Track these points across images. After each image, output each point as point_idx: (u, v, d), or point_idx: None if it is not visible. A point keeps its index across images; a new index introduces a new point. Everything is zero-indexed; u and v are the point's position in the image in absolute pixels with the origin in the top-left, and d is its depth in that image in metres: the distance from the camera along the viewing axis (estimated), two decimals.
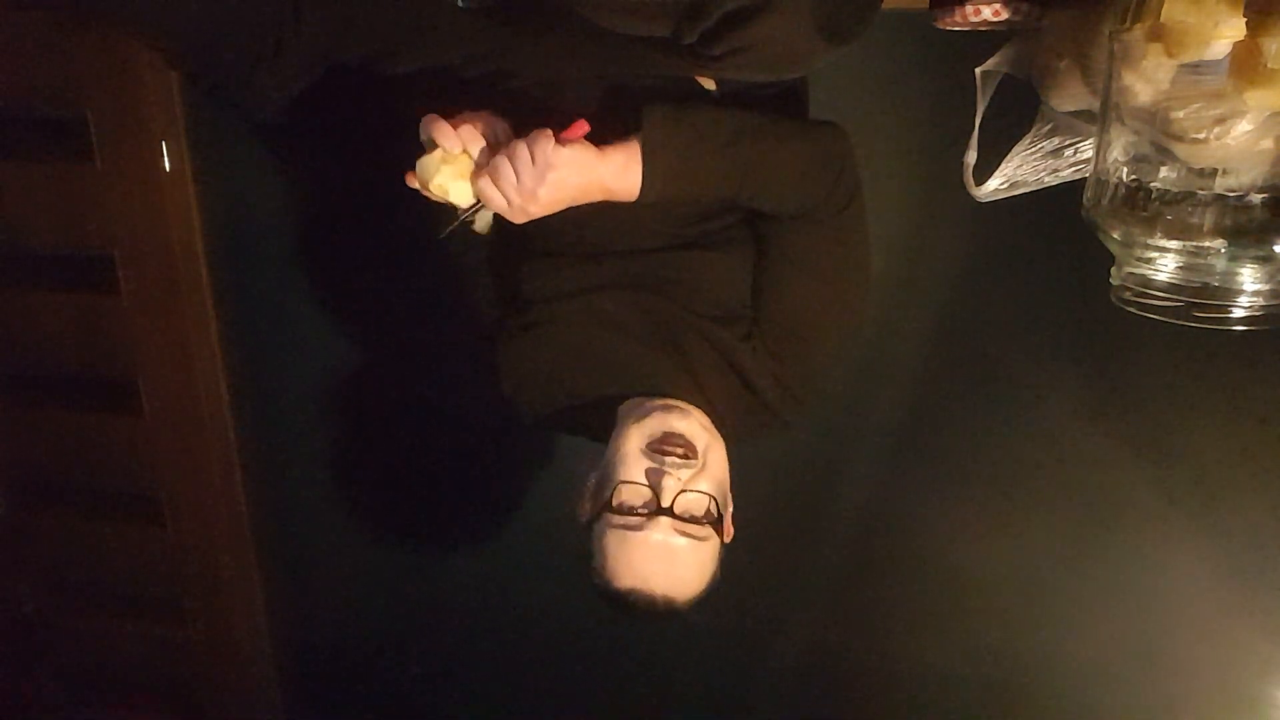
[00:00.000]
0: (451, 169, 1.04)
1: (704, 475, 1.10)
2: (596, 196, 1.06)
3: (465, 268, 1.35)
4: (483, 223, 1.17)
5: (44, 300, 1.94)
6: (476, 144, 1.05)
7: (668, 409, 1.12)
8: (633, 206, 1.13)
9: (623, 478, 1.09)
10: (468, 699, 2.19)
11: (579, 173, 1.02)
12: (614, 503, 1.09)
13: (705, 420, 1.16)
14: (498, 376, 1.27)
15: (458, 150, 1.04)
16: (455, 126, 1.04)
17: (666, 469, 1.07)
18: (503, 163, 1.01)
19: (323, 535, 2.09)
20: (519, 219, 1.06)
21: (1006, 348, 1.65)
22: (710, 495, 1.09)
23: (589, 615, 1.95)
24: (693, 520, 1.08)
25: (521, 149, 1.01)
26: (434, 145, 1.04)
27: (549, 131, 1.01)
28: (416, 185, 1.06)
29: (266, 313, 1.91)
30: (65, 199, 1.81)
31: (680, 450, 1.08)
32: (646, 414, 1.12)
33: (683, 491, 1.08)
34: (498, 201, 1.03)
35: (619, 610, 1.13)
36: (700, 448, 1.10)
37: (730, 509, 1.22)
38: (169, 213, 1.80)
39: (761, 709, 2.02)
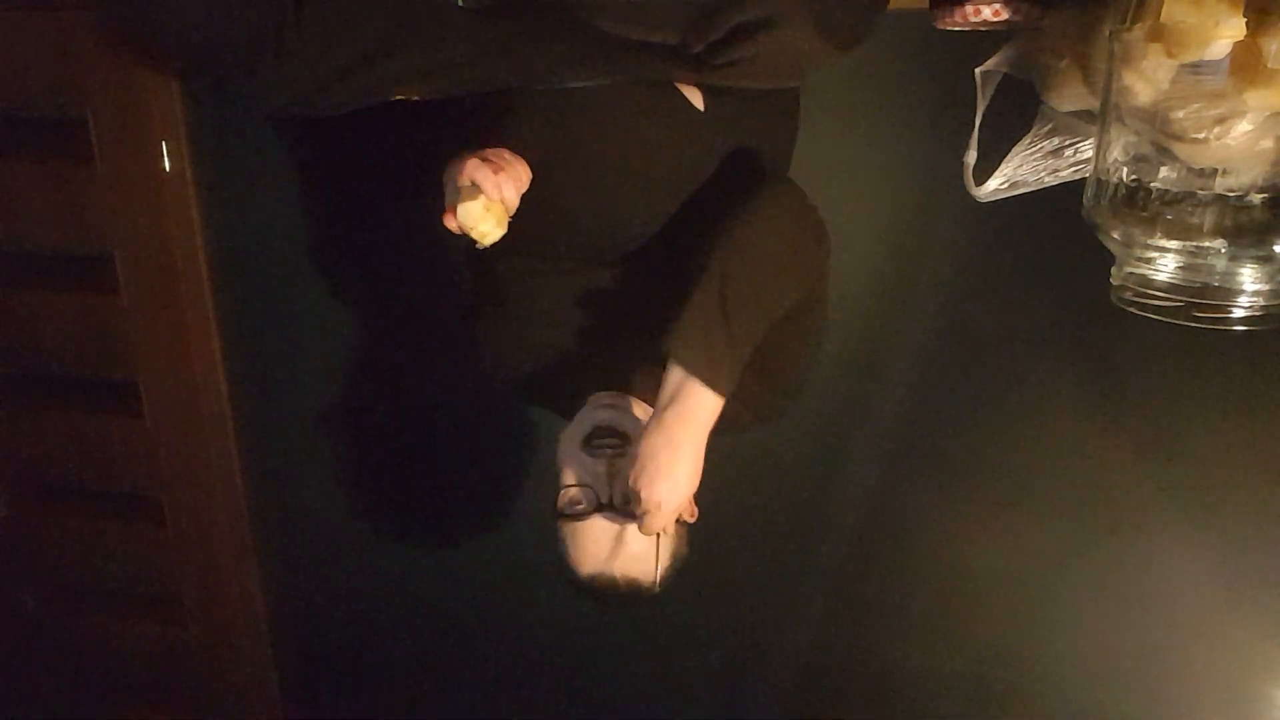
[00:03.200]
0: (493, 216, 1.08)
1: None
2: (703, 425, 1.10)
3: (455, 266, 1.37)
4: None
5: (44, 300, 1.94)
6: (512, 193, 1.09)
7: (597, 405, 1.19)
8: (614, 217, 1.18)
9: (564, 480, 1.18)
10: (468, 699, 2.19)
11: (689, 459, 1.08)
12: (558, 506, 1.18)
13: (642, 411, 1.20)
14: (478, 354, 1.30)
15: (497, 198, 1.08)
16: (495, 172, 1.07)
17: (598, 459, 1.15)
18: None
19: (323, 535, 2.09)
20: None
21: (1006, 348, 1.65)
22: None
23: (589, 614, 1.95)
24: (631, 513, 1.13)
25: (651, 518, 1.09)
26: (473, 188, 1.08)
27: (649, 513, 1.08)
28: (454, 227, 1.09)
29: (266, 313, 1.91)
30: (65, 199, 1.81)
31: (612, 441, 1.16)
32: (584, 415, 1.20)
33: (620, 479, 1.13)
34: (672, 499, 1.09)
35: (591, 599, 1.21)
36: (634, 434, 1.15)
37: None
38: (169, 213, 1.80)
39: (761, 709, 2.02)
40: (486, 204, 1.08)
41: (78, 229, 1.83)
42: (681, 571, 1.23)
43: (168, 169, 1.76)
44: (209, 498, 2.05)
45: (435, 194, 1.15)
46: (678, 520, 1.20)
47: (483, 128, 1.19)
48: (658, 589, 1.20)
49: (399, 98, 1.12)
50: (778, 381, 1.25)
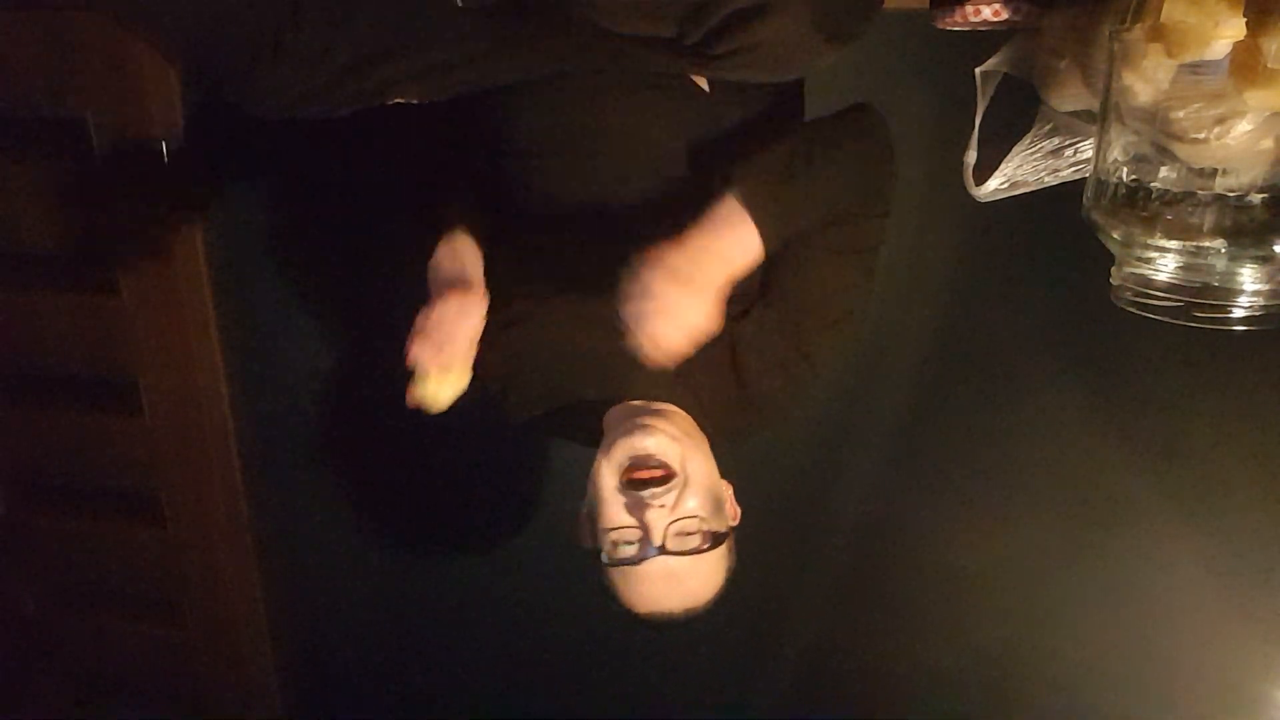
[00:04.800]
0: (449, 383, 1.12)
1: (689, 490, 1.08)
2: (732, 268, 1.04)
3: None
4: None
5: (44, 300, 1.94)
6: (466, 357, 1.10)
7: (630, 430, 1.10)
8: (630, 199, 1.13)
9: (608, 524, 1.09)
10: (468, 698, 2.19)
11: (700, 301, 1.00)
12: (606, 555, 1.09)
13: (675, 426, 1.12)
14: (483, 376, 1.27)
15: (449, 367, 1.11)
16: (439, 346, 1.08)
17: (648, 501, 1.05)
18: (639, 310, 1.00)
19: (323, 535, 2.09)
20: (694, 330, 1.02)
21: (1006, 348, 1.65)
22: (699, 517, 1.08)
23: (589, 615, 1.95)
24: (688, 548, 1.07)
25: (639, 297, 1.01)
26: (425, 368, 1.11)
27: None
28: (419, 407, 1.12)
29: (266, 313, 1.91)
30: (65, 199, 1.81)
31: (656, 474, 1.06)
32: (613, 443, 1.11)
33: (673, 522, 1.06)
34: (673, 338, 1.01)
35: (643, 625, 1.14)
36: (676, 462, 1.08)
37: (729, 491, 1.21)
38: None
39: (762, 709, 2.02)
40: (438, 379, 1.10)
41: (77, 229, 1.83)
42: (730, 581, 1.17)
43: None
44: (209, 498, 2.05)
45: (436, 193, 1.14)
46: (718, 535, 1.12)
47: (484, 123, 1.18)
48: (709, 605, 1.14)
49: (397, 100, 1.11)
50: (816, 339, 1.20)
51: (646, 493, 1.05)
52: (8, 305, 1.95)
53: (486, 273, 1.29)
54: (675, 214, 1.19)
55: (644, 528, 1.06)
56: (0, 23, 1.68)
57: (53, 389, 2.05)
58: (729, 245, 1.03)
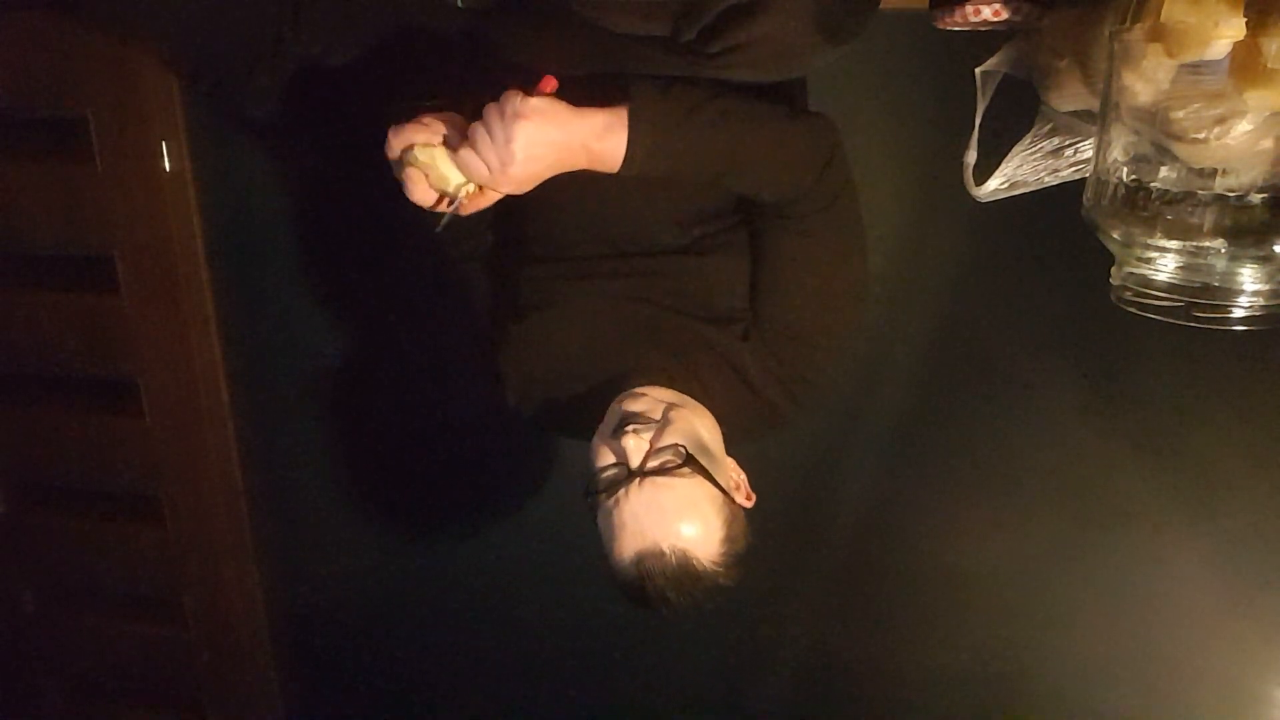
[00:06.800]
0: (436, 157, 1.05)
1: (669, 432, 1.10)
2: (577, 161, 1.04)
3: (462, 271, 1.35)
4: (464, 194, 1.12)
5: (44, 300, 1.94)
6: (442, 129, 1.05)
7: (625, 398, 1.15)
8: (628, 207, 1.13)
9: (596, 465, 1.12)
10: (469, 699, 2.19)
11: (552, 124, 1.00)
12: (592, 488, 1.11)
13: (667, 394, 1.17)
14: (501, 386, 1.28)
15: (437, 141, 1.05)
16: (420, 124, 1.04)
17: (627, 430, 1.09)
18: (477, 126, 1.01)
19: (323, 535, 2.09)
20: (505, 185, 1.04)
21: (1006, 348, 1.65)
22: (677, 444, 1.09)
23: (590, 613, 1.95)
24: (665, 470, 1.08)
25: (491, 108, 1.01)
26: (411, 152, 1.05)
27: (517, 89, 1.01)
28: (428, 195, 1.06)
29: (266, 312, 1.91)
30: (65, 199, 1.81)
31: (642, 418, 1.11)
32: (613, 409, 1.16)
33: (653, 451, 1.08)
34: (478, 167, 1.02)
35: (644, 599, 1.10)
36: (658, 413, 1.12)
37: (741, 476, 1.22)
38: (169, 213, 1.80)
39: (762, 709, 2.02)
40: (420, 151, 1.04)
41: (78, 229, 1.83)
42: (746, 561, 1.13)
43: (168, 169, 1.76)
44: (209, 498, 2.05)
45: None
46: (734, 501, 1.14)
47: None
48: (720, 575, 1.10)
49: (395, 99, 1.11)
50: (806, 362, 1.22)
51: (629, 426, 1.09)
52: (8, 305, 1.95)
53: (499, 290, 1.30)
54: (678, 221, 1.18)
55: (624, 459, 1.09)
56: (1, 23, 1.68)
57: (53, 389, 2.05)
58: (591, 137, 1.02)
